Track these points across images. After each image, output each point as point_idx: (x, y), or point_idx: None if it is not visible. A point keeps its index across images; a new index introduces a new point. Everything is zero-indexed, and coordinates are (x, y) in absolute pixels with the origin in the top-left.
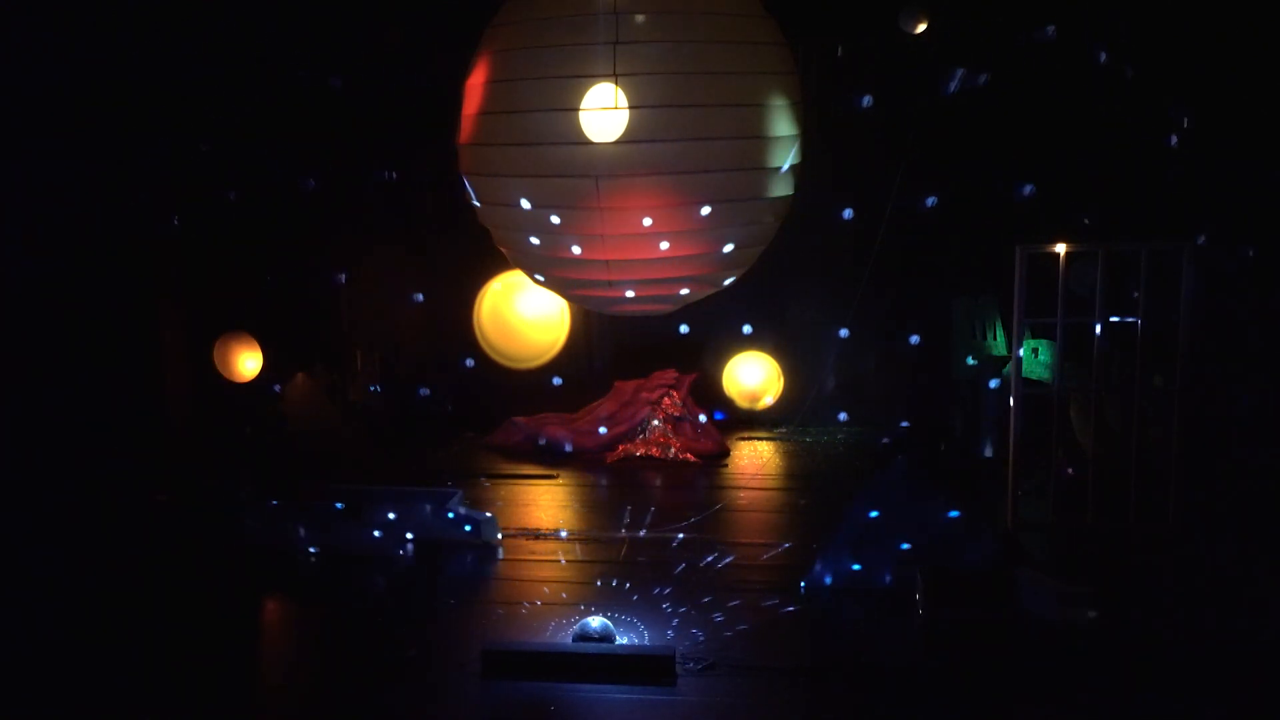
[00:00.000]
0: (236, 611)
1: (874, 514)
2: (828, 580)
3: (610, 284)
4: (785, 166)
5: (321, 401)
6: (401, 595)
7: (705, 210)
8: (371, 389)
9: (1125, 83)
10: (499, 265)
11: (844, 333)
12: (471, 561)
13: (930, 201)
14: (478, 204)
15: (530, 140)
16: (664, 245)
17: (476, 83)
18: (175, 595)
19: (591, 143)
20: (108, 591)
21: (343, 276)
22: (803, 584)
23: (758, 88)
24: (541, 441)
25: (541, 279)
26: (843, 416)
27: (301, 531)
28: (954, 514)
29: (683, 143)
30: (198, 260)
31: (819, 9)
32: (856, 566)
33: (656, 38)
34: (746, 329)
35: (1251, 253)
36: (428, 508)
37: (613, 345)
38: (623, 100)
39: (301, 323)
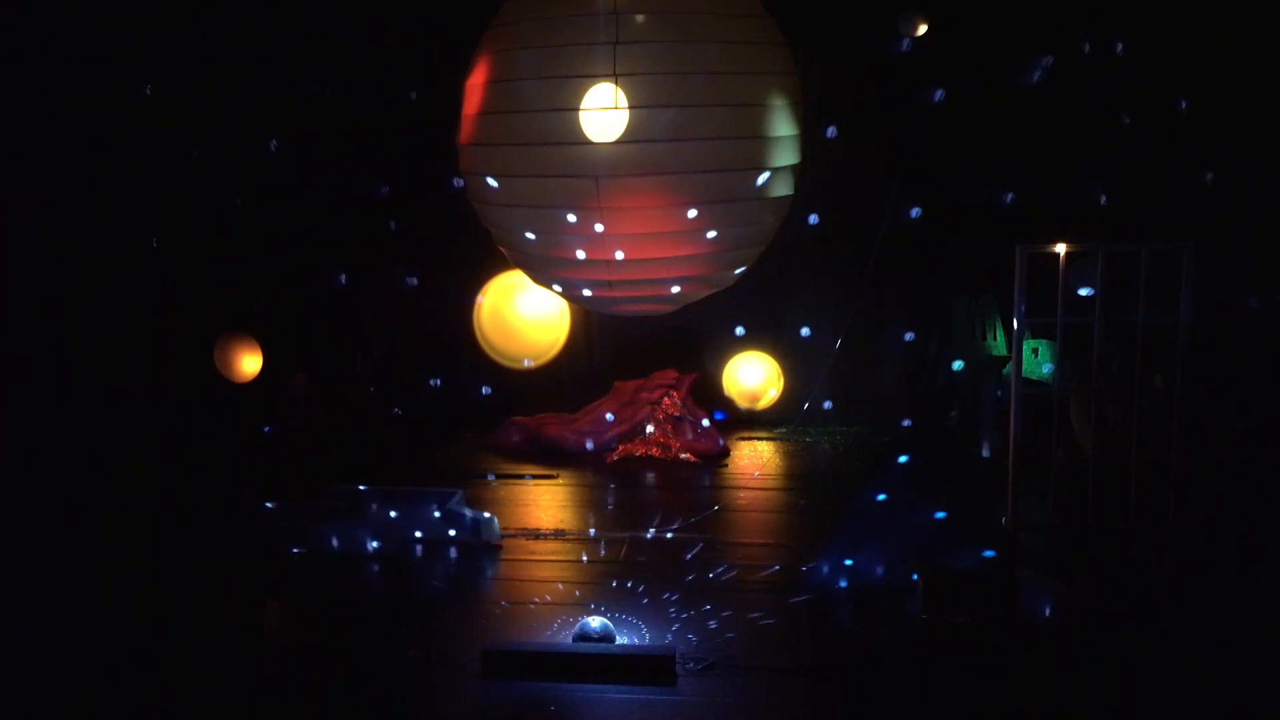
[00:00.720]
0: (236, 611)
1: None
2: (830, 580)
3: (610, 284)
4: (763, 180)
5: (321, 401)
6: (401, 595)
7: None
8: (370, 389)
9: (1124, 82)
10: (499, 265)
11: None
12: (471, 561)
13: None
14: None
15: (530, 140)
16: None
17: (477, 83)
18: (175, 595)
19: (591, 143)
20: (108, 591)
21: (343, 277)
22: (805, 580)
23: (758, 88)
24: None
25: (540, 278)
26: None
27: (300, 532)
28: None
29: (683, 143)
30: (198, 260)
31: (819, 9)
32: (857, 566)
33: (656, 38)
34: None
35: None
36: (428, 508)
37: (613, 345)
38: (623, 100)
39: (302, 323)
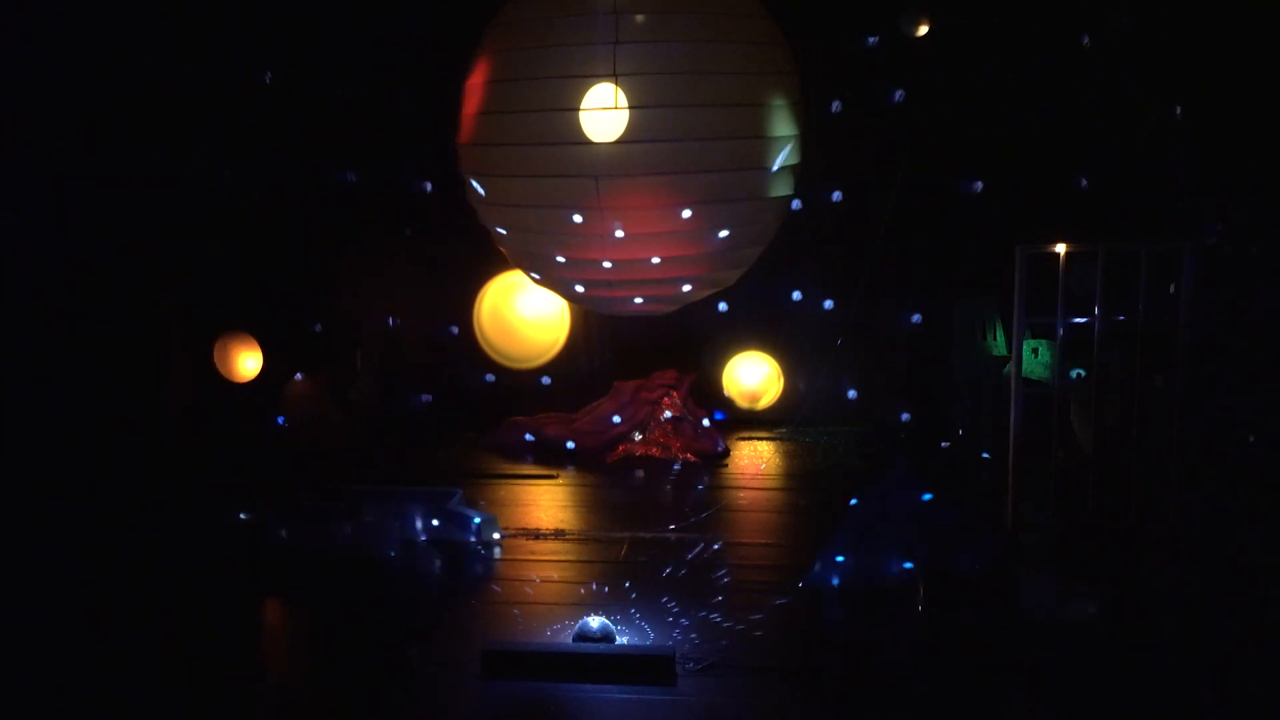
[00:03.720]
0: (236, 611)
1: (875, 513)
2: (830, 580)
3: (610, 284)
4: (776, 166)
5: (321, 401)
6: (401, 595)
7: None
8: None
9: (1125, 81)
10: (499, 265)
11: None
12: (471, 561)
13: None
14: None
15: (530, 140)
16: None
17: (477, 83)
18: (175, 595)
19: (591, 143)
20: (108, 591)
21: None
22: (801, 584)
23: (758, 88)
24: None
25: (540, 278)
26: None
27: (301, 531)
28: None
29: (683, 143)
30: (198, 260)
31: (819, 9)
32: (857, 566)
33: (656, 38)
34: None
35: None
36: (428, 508)
37: (613, 345)
38: (623, 100)
39: (301, 323)
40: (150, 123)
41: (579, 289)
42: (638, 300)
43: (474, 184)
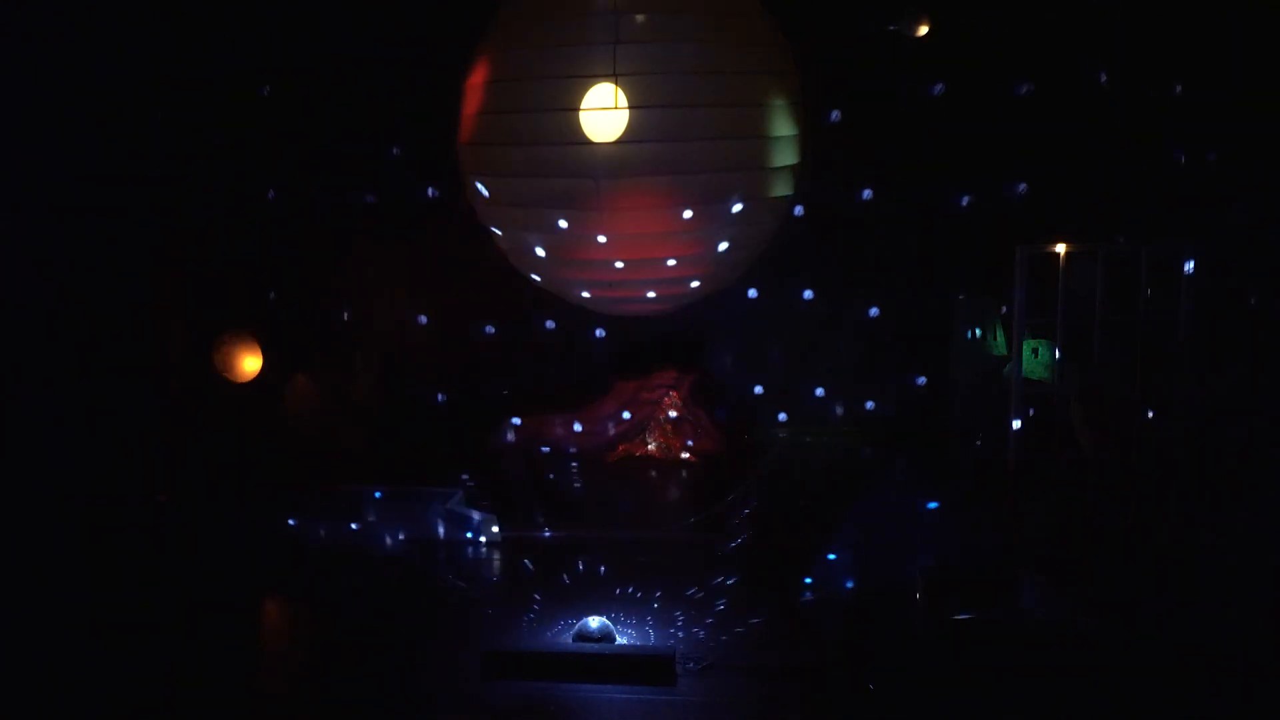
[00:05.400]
0: (237, 611)
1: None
2: (831, 581)
3: (611, 284)
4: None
5: (322, 401)
6: (402, 595)
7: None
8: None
9: (1127, 84)
10: (499, 265)
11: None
12: (472, 561)
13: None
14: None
15: (530, 140)
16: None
17: (477, 83)
18: (175, 595)
19: (591, 143)
20: (109, 591)
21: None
22: (805, 585)
23: (758, 88)
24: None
25: (540, 279)
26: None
27: (303, 530)
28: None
29: (683, 143)
30: (198, 261)
31: (819, 9)
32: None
33: (656, 38)
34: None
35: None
36: (428, 507)
37: (613, 345)
38: (623, 100)
39: (301, 323)
40: (150, 123)
41: (580, 291)
42: (651, 294)
43: (476, 185)
